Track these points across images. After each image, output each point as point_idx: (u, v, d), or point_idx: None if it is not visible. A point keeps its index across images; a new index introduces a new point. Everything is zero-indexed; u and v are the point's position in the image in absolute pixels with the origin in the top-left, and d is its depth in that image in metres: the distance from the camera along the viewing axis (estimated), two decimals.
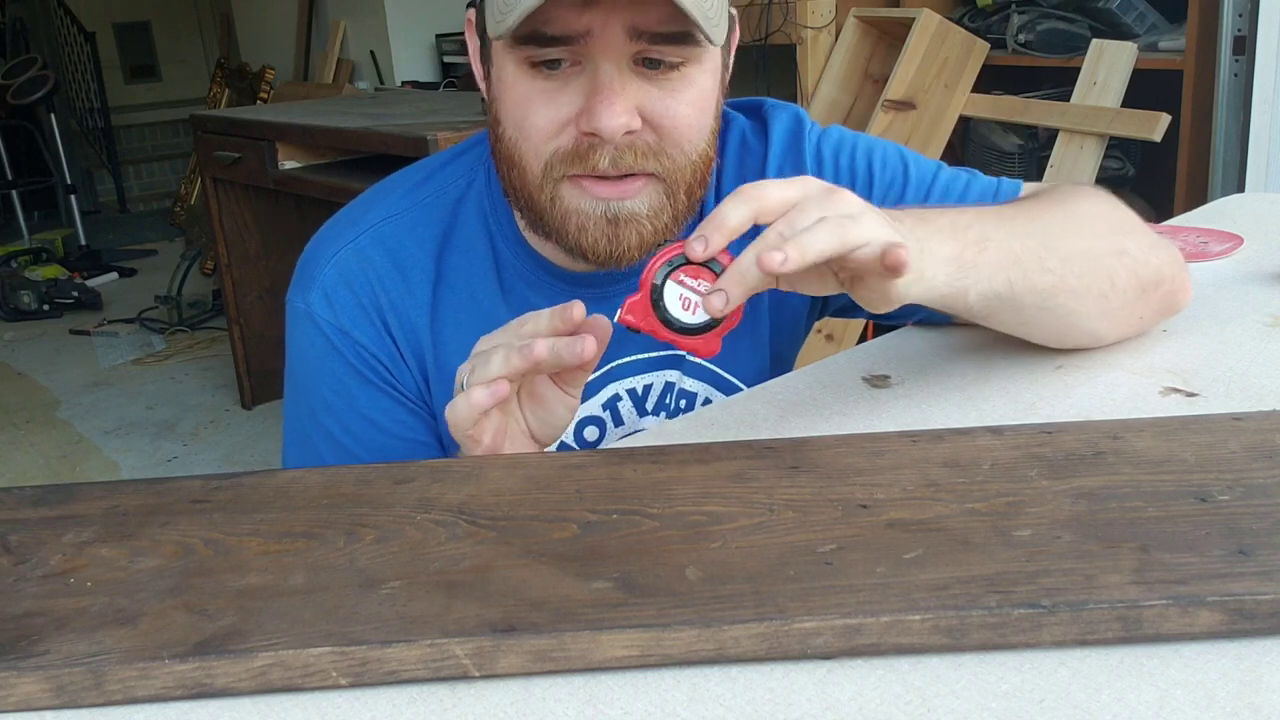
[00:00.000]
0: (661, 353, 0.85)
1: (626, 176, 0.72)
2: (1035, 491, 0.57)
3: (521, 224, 0.81)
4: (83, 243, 5.30)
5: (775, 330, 0.89)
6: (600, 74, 0.68)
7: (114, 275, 4.91)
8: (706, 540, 0.54)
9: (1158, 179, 2.34)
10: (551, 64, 0.69)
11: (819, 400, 0.77)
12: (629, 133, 0.70)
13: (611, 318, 0.83)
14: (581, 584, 0.50)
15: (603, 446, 0.85)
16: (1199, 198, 2.11)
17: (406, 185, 0.84)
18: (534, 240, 0.81)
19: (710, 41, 0.67)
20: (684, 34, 0.67)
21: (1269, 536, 0.52)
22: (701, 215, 0.83)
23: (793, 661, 0.48)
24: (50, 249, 5.11)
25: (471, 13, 0.76)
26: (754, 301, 0.86)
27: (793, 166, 0.86)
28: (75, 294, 4.42)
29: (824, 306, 0.93)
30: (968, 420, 0.72)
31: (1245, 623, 0.48)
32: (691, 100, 0.72)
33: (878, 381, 0.80)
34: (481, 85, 0.78)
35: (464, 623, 0.48)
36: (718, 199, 0.85)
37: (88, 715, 0.47)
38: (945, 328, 0.90)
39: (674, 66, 0.70)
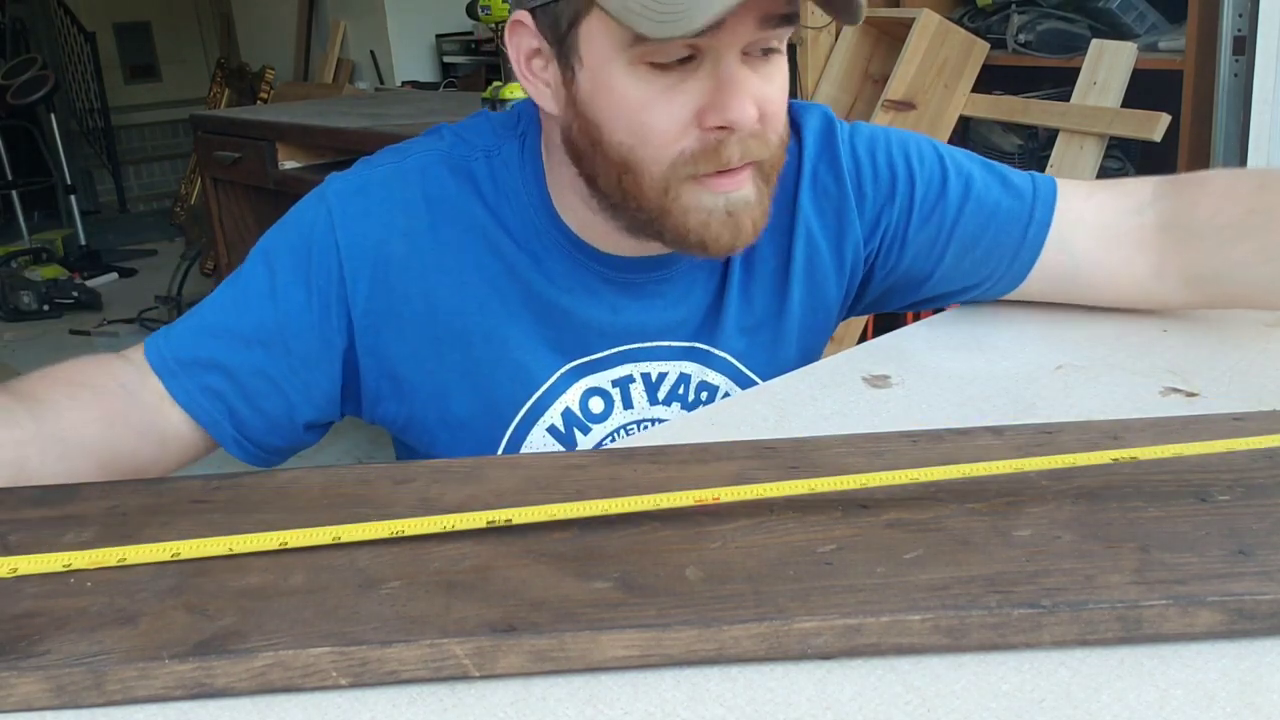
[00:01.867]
0: (684, 344, 0.85)
1: (740, 168, 0.72)
2: (1035, 491, 0.57)
3: (584, 212, 0.79)
4: (83, 243, 5.30)
5: (805, 329, 0.88)
6: (724, 66, 0.68)
7: (114, 275, 4.91)
8: (706, 540, 0.54)
9: None
10: (662, 59, 0.68)
11: (819, 400, 0.77)
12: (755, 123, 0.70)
13: (639, 307, 0.83)
14: (581, 584, 0.50)
15: (608, 432, 0.85)
16: None
17: (440, 144, 0.84)
18: (574, 222, 0.81)
19: (798, 32, 0.68)
20: (793, 16, 0.68)
21: (1269, 537, 0.52)
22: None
23: (793, 661, 0.48)
24: (50, 249, 5.11)
25: (524, 15, 0.73)
26: (782, 298, 0.87)
27: (828, 167, 0.86)
28: (75, 294, 4.41)
29: (855, 304, 0.93)
30: (967, 420, 0.72)
31: (1245, 623, 0.48)
32: (782, 85, 0.73)
33: (878, 381, 0.80)
34: (541, 93, 0.76)
35: (464, 623, 0.48)
36: None
37: (88, 715, 0.47)
38: (945, 328, 0.90)
39: (773, 52, 0.71)
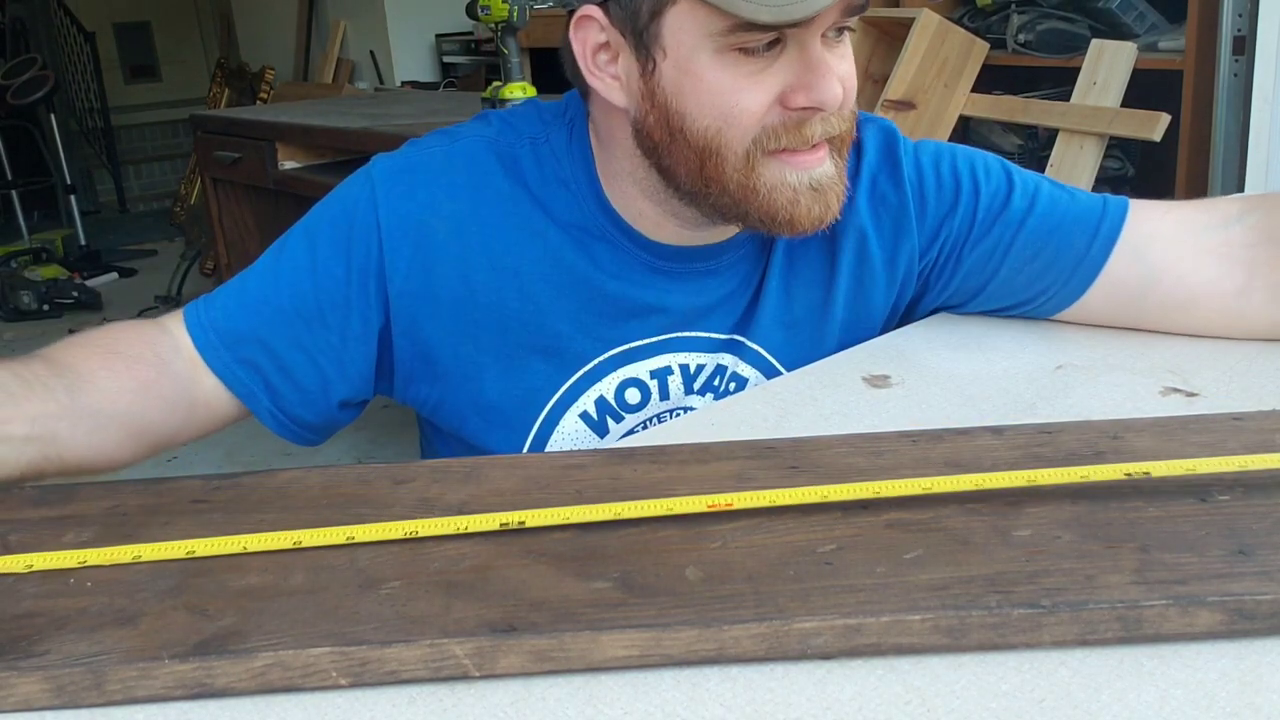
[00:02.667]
0: (725, 335, 0.85)
1: (819, 145, 0.74)
2: (1035, 491, 0.57)
3: (641, 202, 0.80)
4: (82, 243, 5.29)
5: (846, 333, 0.88)
6: (811, 50, 0.70)
7: (114, 275, 4.91)
8: (706, 540, 0.54)
9: (1157, 179, 2.34)
10: (749, 49, 0.70)
11: (819, 400, 0.77)
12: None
13: (684, 295, 0.83)
14: (581, 584, 0.50)
15: (641, 420, 0.85)
16: (1199, 197, 2.11)
17: (488, 130, 0.84)
18: (625, 210, 0.81)
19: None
20: (867, 3, 0.70)
21: (1269, 536, 0.52)
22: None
23: (793, 661, 0.48)
24: (50, 249, 5.10)
25: (594, 9, 0.74)
26: (826, 298, 0.86)
27: (888, 178, 0.86)
28: (75, 294, 4.41)
29: (908, 315, 0.92)
30: (967, 420, 0.72)
31: (1245, 623, 0.48)
32: (853, 62, 0.75)
33: (878, 381, 0.80)
34: (609, 85, 0.76)
35: (464, 623, 0.48)
36: None
37: (88, 715, 0.47)
38: (945, 328, 0.90)
39: (846, 29, 0.73)
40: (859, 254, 0.86)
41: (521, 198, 0.81)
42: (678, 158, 0.74)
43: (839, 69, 0.72)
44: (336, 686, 0.47)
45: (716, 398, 0.86)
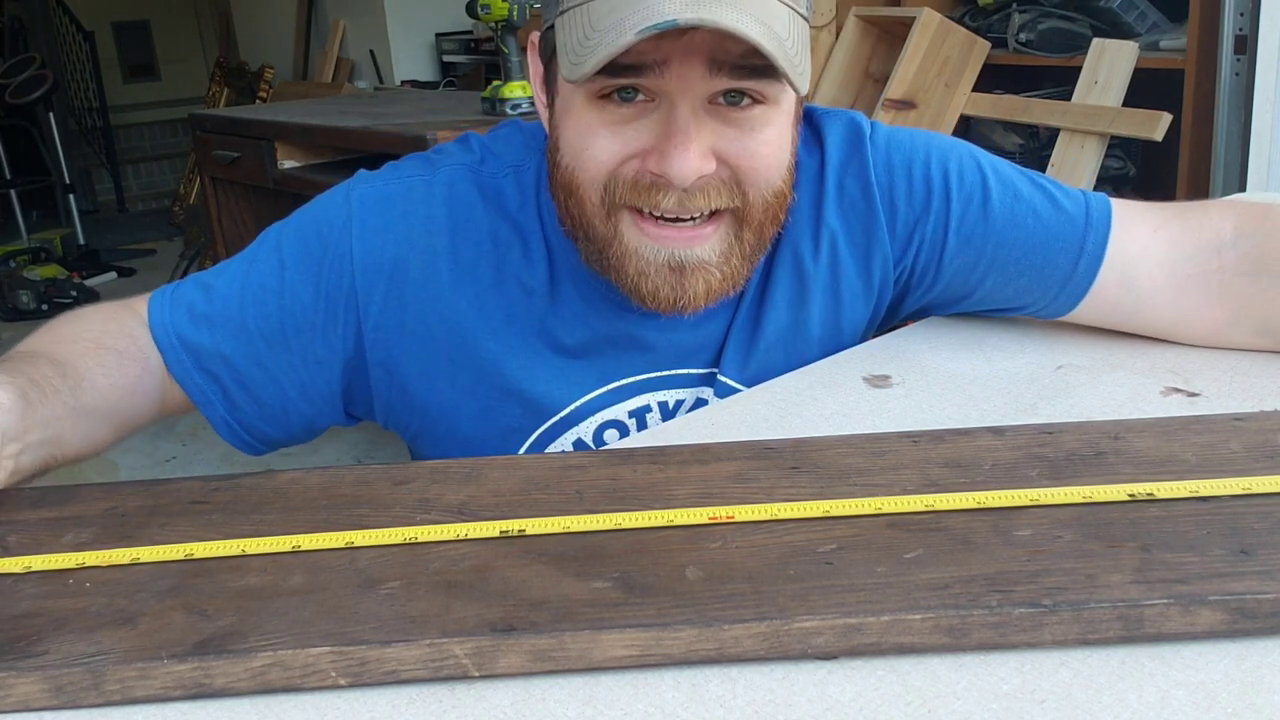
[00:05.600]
0: (701, 370, 0.83)
1: (697, 222, 0.70)
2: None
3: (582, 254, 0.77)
4: (81, 242, 5.29)
5: (825, 343, 0.85)
6: (676, 114, 0.66)
7: (113, 275, 4.91)
8: (706, 540, 0.54)
9: (1159, 178, 2.34)
10: (625, 94, 0.67)
11: (819, 400, 0.77)
12: (700, 177, 0.68)
13: (657, 333, 0.80)
14: (581, 584, 0.50)
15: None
16: (1200, 197, 2.11)
17: (469, 157, 0.83)
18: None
19: (794, 87, 0.64)
20: (767, 66, 0.64)
21: (1270, 536, 0.52)
22: (777, 245, 0.80)
23: (793, 661, 0.48)
24: (49, 248, 5.10)
25: (535, 37, 0.74)
26: (799, 317, 0.82)
27: (855, 178, 0.82)
28: (74, 293, 4.41)
29: (889, 320, 0.89)
30: (968, 420, 0.72)
31: (1246, 622, 0.47)
32: (770, 139, 0.69)
33: (878, 381, 0.80)
34: (542, 111, 0.77)
35: (464, 623, 0.48)
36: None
37: (87, 715, 0.46)
38: (945, 328, 0.89)
39: (755, 103, 0.67)
40: (832, 267, 0.82)
41: (502, 232, 0.79)
42: (555, 192, 0.74)
43: (723, 141, 0.67)
44: (336, 686, 0.47)
45: None
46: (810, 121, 0.84)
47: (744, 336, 0.82)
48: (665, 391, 0.83)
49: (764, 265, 0.81)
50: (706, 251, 0.71)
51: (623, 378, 0.81)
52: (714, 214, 0.70)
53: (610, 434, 0.82)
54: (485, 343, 0.79)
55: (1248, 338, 0.81)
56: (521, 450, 0.81)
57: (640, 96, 0.67)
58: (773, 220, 0.73)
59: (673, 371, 0.83)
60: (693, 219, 0.70)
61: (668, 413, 0.83)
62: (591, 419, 0.82)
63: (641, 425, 0.83)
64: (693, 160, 0.66)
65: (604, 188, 0.70)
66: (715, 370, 0.83)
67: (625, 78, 0.65)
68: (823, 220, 0.82)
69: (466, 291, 0.79)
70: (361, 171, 0.82)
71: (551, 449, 0.81)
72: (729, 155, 0.68)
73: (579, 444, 0.82)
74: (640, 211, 0.70)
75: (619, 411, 0.82)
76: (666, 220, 0.70)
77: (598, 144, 0.69)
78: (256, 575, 0.52)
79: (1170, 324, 0.83)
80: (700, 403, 0.84)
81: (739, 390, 0.82)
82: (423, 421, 0.82)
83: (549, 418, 0.81)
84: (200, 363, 0.79)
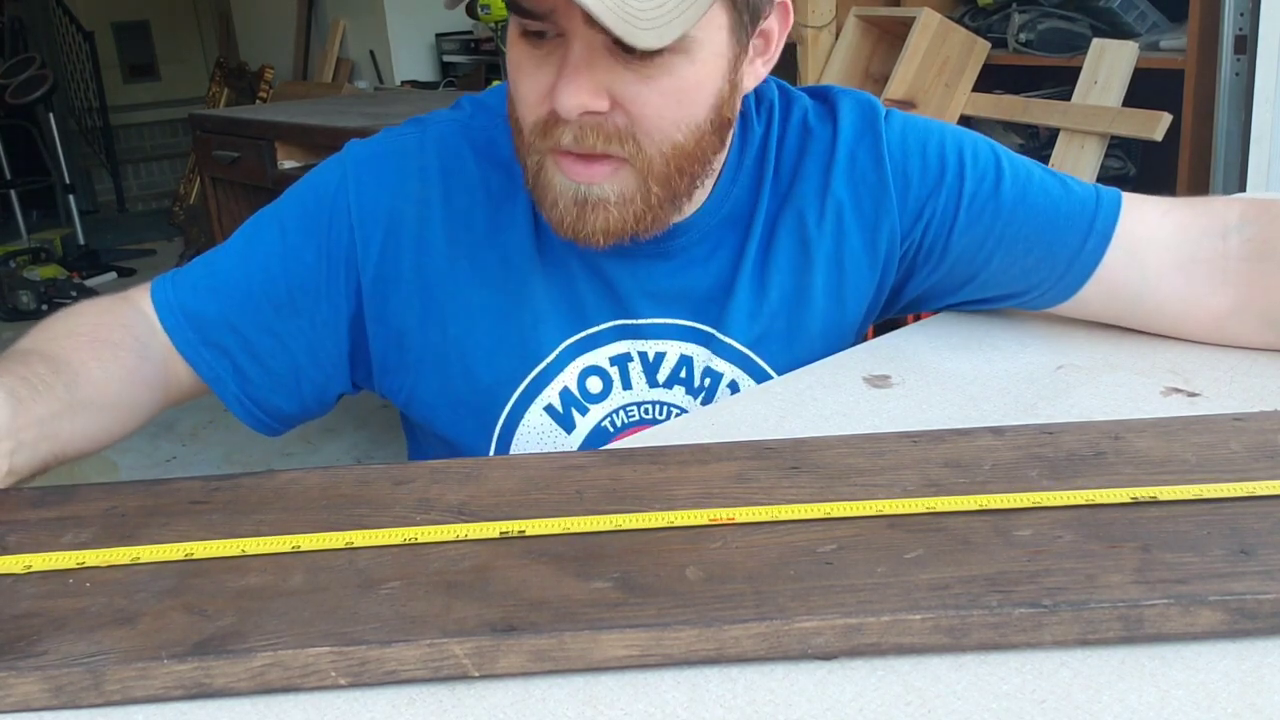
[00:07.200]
0: (685, 323, 0.84)
1: (595, 159, 0.71)
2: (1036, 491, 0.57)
3: None
4: (81, 242, 5.29)
5: (830, 323, 0.86)
6: (570, 51, 0.68)
7: (113, 275, 4.91)
8: (706, 540, 0.54)
9: (1159, 178, 2.34)
10: (539, 34, 0.69)
11: (819, 400, 0.77)
12: (592, 113, 0.69)
13: (636, 275, 0.82)
14: (581, 584, 0.50)
15: (606, 413, 0.84)
16: (1200, 196, 2.11)
17: (460, 114, 0.85)
18: None
19: (636, 45, 0.64)
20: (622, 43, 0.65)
21: (1270, 536, 0.52)
22: (781, 209, 0.82)
23: (793, 661, 0.48)
24: (49, 248, 5.10)
25: None
26: (803, 286, 0.84)
27: (868, 151, 0.83)
28: (74, 294, 4.41)
29: (892, 302, 0.90)
30: (968, 420, 0.72)
31: (1247, 622, 0.47)
32: (667, 89, 0.70)
33: (878, 381, 0.80)
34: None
35: (464, 623, 0.48)
36: (776, 177, 0.84)
37: (86, 715, 0.46)
38: (945, 328, 0.89)
39: (654, 52, 0.67)
40: (837, 236, 0.84)
41: (494, 180, 0.82)
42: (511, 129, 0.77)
43: (620, 85, 0.68)
44: (336, 686, 0.47)
45: (688, 391, 0.85)
46: (827, 97, 0.87)
47: (751, 297, 0.84)
48: (645, 341, 0.84)
49: (766, 228, 0.83)
50: (605, 190, 0.73)
51: (598, 323, 0.83)
52: (607, 156, 0.72)
53: (593, 381, 0.83)
54: (476, 289, 0.81)
55: (1248, 329, 0.81)
56: (509, 404, 0.82)
57: (551, 35, 0.69)
58: (680, 174, 0.74)
59: (651, 320, 0.83)
60: (589, 157, 0.72)
61: (648, 364, 0.84)
62: (574, 364, 0.83)
63: (624, 374, 0.84)
64: (577, 95, 0.68)
65: (530, 128, 0.73)
66: (702, 326, 0.84)
67: (530, 19, 0.69)
68: (830, 189, 0.83)
69: (460, 239, 0.81)
70: (354, 139, 0.84)
71: (538, 402, 0.82)
72: (623, 99, 0.70)
73: (565, 394, 0.82)
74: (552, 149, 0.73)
75: (599, 357, 0.83)
76: (573, 155, 0.72)
77: (522, 81, 0.72)
78: (256, 575, 0.52)
79: (1173, 313, 0.83)
80: (685, 359, 0.84)
81: (740, 350, 0.84)
82: (415, 380, 0.83)
83: (536, 364, 0.82)
84: (208, 337, 0.80)
